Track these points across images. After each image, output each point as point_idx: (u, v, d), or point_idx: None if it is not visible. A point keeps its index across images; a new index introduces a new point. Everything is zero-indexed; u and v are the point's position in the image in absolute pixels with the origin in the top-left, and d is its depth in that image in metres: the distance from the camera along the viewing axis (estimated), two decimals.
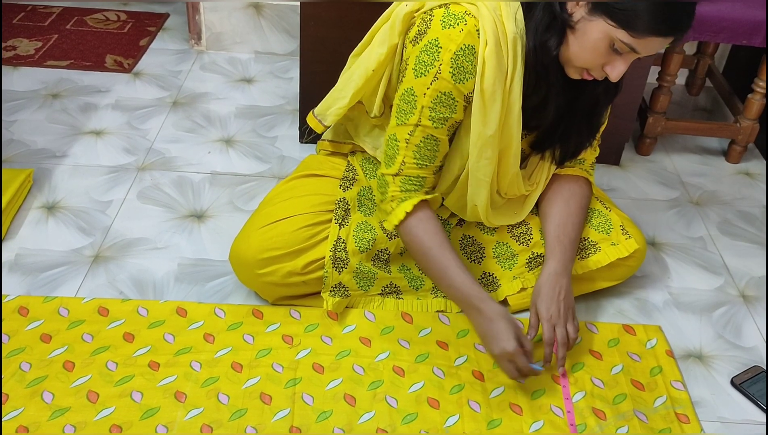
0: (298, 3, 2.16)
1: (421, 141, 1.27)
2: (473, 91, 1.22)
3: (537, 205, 1.48)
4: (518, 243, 1.51)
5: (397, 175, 1.30)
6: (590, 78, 1.20)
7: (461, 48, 1.19)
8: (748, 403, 1.36)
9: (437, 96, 1.22)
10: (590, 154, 1.45)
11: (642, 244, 1.51)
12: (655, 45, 1.12)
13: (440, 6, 1.21)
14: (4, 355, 1.31)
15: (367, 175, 1.51)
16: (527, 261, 1.50)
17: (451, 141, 1.32)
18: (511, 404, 1.30)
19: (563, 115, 1.31)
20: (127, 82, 2.26)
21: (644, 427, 1.28)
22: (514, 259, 1.51)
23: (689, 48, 2.39)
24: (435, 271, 1.32)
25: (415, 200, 1.30)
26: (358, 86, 1.35)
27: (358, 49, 1.39)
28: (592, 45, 1.14)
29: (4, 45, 2.39)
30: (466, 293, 1.29)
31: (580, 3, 1.14)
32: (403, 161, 1.29)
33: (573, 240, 1.39)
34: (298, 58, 2.01)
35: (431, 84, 1.21)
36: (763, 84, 1.95)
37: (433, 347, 1.40)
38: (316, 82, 1.88)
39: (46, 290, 1.47)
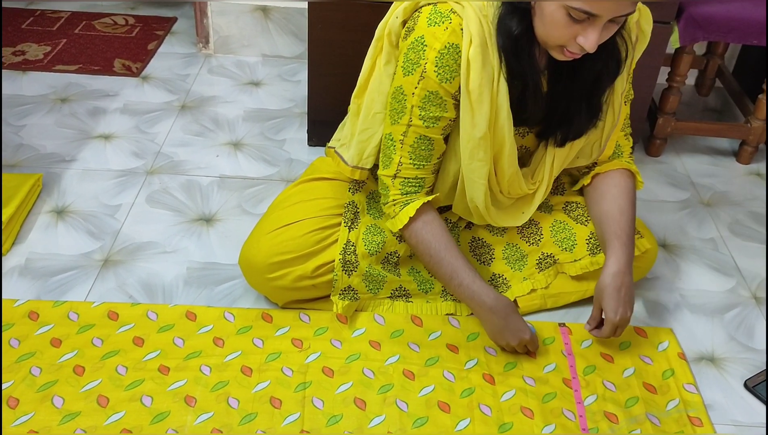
0: (305, 6, 2.16)
1: (414, 141, 1.27)
2: (459, 90, 1.21)
3: (588, 204, 1.47)
4: (528, 243, 1.50)
5: (395, 176, 1.30)
6: (572, 56, 1.16)
7: (445, 46, 1.18)
8: (762, 406, 1.35)
9: (425, 95, 1.22)
10: (626, 144, 1.45)
11: (653, 245, 1.50)
12: (613, 3, 1.06)
13: (428, 3, 1.20)
14: (14, 359, 1.32)
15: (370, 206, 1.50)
16: (537, 261, 1.49)
17: (446, 141, 1.31)
18: (522, 408, 1.30)
19: (560, 100, 1.29)
20: (135, 86, 2.26)
21: (657, 431, 1.27)
22: (524, 259, 1.50)
23: (699, 48, 2.38)
24: (443, 272, 1.33)
25: (418, 204, 1.30)
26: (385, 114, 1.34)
27: (359, 89, 1.37)
28: (551, 19, 1.12)
29: (13, 50, 2.40)
30: (476, 292, 1.31)
31: None
32: (399, 162, 1.29)
33: (630, 236, 1.37)
34: (305, 60, 2.01)
35: (419, 83, 1.21)
36: None
37: (443, 350, 1.40)
38: (323, 84, 1.89)
39: (56, 295, 1.47)
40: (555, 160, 1.38)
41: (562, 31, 1.12)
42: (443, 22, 1.18)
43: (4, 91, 2.17)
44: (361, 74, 1.37)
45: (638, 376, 1.37)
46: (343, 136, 1.45)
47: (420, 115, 1.24)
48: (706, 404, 1.34)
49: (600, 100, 1.32)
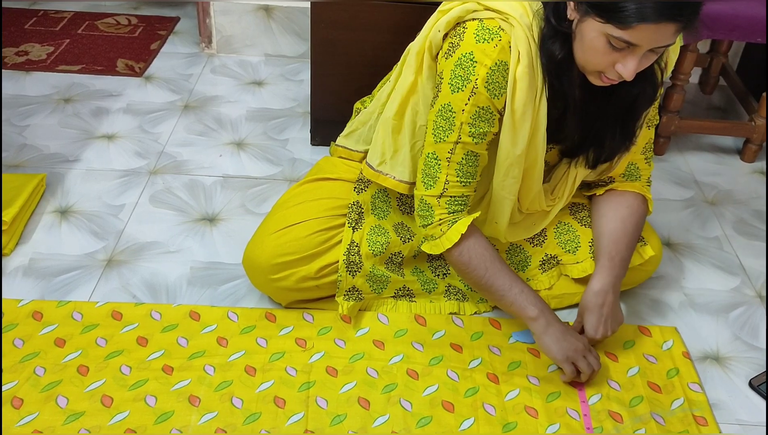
0: (308, 5, 2.15)
1: (462, 158, 1.25)
2: (504, 107, 1.21)
3: (594, 213, 1.45)
4: (531, 244, 1.50)
5: (441, 196, 1.27)
6: (609, 81, 1.17)
7: (496, 63, 1.17)
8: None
9: (476, 111, 1.21)
10: (645, 168, 1.43)
11: (658, 251, 1.50)
12: (654, 34, 1.06)
13: (473, 18, 1.19)
14: (18, 359, 1.32)
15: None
16: (540, 263, 1.49)
17: None
18: (526, 407, 1.30)
19: (594, 121, 1.28)
20: (138, 86, 2.26)
21: (662, 430, 1.27)
22: (528, 261, 1.50)
23: (703, 46, 2.37)
24: (497, 288, 1.30)
25: (468, 220, 1.28)
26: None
27: (400, 107, 1.34)
28: (590, 46, 1.11)
29: (16, 50, 2.40)
30: (538, 299, 1.31)
31: (576, 8, 1.12)
32: (446, 180, 1.26)
33: (624, 259, 1.37)
34: (308, 60, 2.01)
35: (469, 99, 1.19)
36: None
37: (447, 350, 1.40)
38: (326, 84, 1.88)
39: (59, 295, 1.47)
40: (577, 178, 1.38)
41: (602, 58, 1.12)
42: (492, 39, 1.17)
43: (7, 92, 2.17)
44: (396, 91, 1.34)
45: (643, 375, 1.37)
46: (379, 153, 1.39)
47: (470, 132, 1.22)
48: (710, 403, 1.33)
49: (635, 124, 1.31)
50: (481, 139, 1.23)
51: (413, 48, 1.30)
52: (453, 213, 1.28)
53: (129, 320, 1.41)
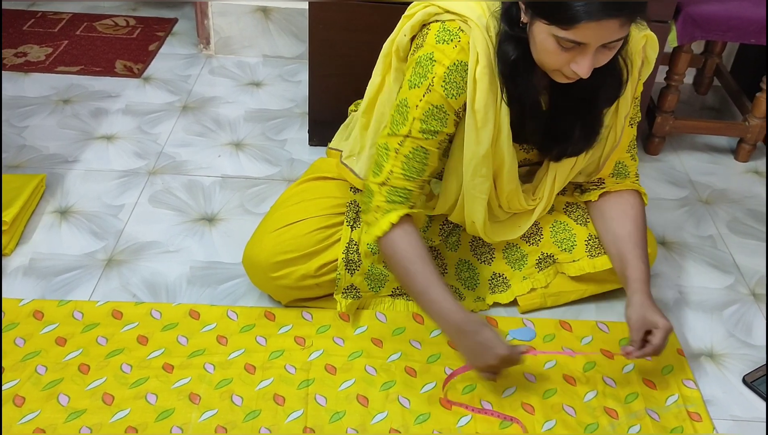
0: (306, 6, 2.17)
1: (410, 152, 1.26)
2: (463, 107, 1.23)
3: (598, 223, 1.45)
4: (528, 243, 1.51)
5: (383, 184, 1.28)
6: (570, 79, 1.16)
7: (454, 63, 1.19)
8: (760, 401, 1.36)
9: (429, 108, 1.22)
10: (632, 164, 1.45)
11: (653, 248, 1.51)
12: (598, 31, 1.06)
13: (436, 21, 1.21)
14: (19, 358, 1.33)
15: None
16: (537, 261, 1.51)
17: (445, 155, 1.32)
18: (523, 404, 1.31)
19: (560, 116, 1.28)
20: (137, 87, 2.27)
21: (656, 426, 1.29)
22: (524, 259, 1.51)
23: (697, 47, 2.39)
24: (417, 286, 1.28)
25: (401, 212, 1.27)
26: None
27: (367, 105, 1.40)
28: (542, 48, 1.12)
29: (15, 51, 2.41)
30: (447, 308, 1.26)
31: (526, 11, 1.13)
32: (390, 171, 1.27)
33: (646, 260, 1.37)
34: (306, 61, 2.02)
35: (424, 96, 1.22)
36: None
37: (444, 348, 1.41)
38: (324, 85, 1.90)
39: (60, 294, 1.48)
40: (557, 178, 1.38)
41: (555, 59, 1.12)
42: (452, 40, 1.19)
43: (6, 93, 2.18)
44: (368, 90, 1.38)
45: (638, 371, 1.39)
46: (350, 147, 1.45)
47: (421, 127, 1.24)
48: (705, 399, 1.35)
49: (598, 118, 1.30)
50: (431, 135, 1.25)
51: (382, 50, 1.33)
52: (390, 202, 1.28)
53: (129, 319, 1.42)
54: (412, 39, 1.27)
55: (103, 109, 2.14)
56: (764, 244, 1.77)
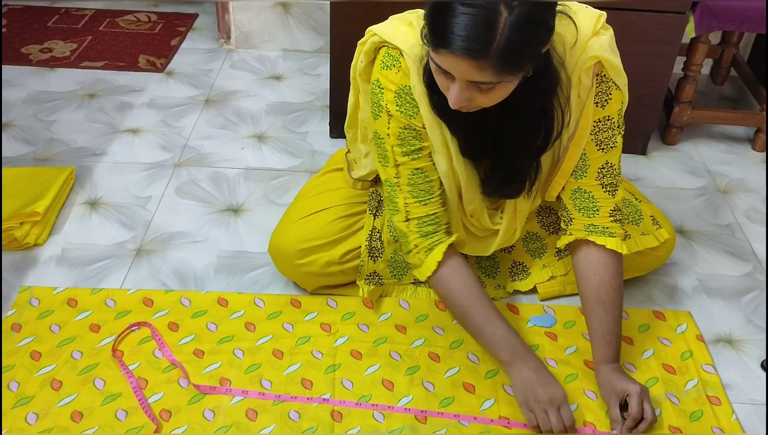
0: (325, 1, 2.19)
1: (409, 178, 1.26)
2: (423, 125, 1.23)
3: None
4: (548, 232, 1.54)
5: (407, 220, 1.29)
6: (459, 109, 1.11)
7: (400, 87, 1.21)
8: None
9: (398, 132, 1.23)
10: (605, 199, 1.30)
11: (672, 235, 1.53)
12: (455, 65, 1.01)
13: (383, 45, 1.22)
14: (56, 344, 1.37)
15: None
16: (557, 250, 1.53)
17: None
18: None
19: (489, 146, 1.25)
20: (160, 81, 2.31)
21: (676, 410, 1.31)
22: (544, 248, 1.54)
23: (714, 38, 2.40)
24: (475, 322, 1.29)
25: (443, 247, 1.28)
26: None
27: (349, 121, 1.45)
28: (432, 69, 1.09)
29: (40, 47, 2.46)
30: (513, 341, 1.27)
31: None
32: (405, 203, 1.28)
33: (617, 334, 1.31)
34: (326, 54, 2.05)
35: (389, 123, 1.23)
36: None
37: (466, 334, 1.43)
38: (346, 78, 1.91)
39: (92, 282, 1.52)
40: (518, 201, 1.35)
41: (439, 81, 1.10)
42: (394, 66, 1.20)
43: (33, 88, 2.23)
44: (348, 107, 1.42)
45: (657, 357, 1.41)
46: (356, 155, 1.49)
47: (402, 151, 1.25)
48: (724, 384, 1.37)
49: (522, 165, 1.26)
50: (417, 154, 1.25)
51: (351, 73, 1.35)
52: (426, 236, 1.28)
53: (160, 306, 1.47)
54: (373, 61, 1.26)
55: (128, 103, 2.18)
56: (765, 230, 1.79)
